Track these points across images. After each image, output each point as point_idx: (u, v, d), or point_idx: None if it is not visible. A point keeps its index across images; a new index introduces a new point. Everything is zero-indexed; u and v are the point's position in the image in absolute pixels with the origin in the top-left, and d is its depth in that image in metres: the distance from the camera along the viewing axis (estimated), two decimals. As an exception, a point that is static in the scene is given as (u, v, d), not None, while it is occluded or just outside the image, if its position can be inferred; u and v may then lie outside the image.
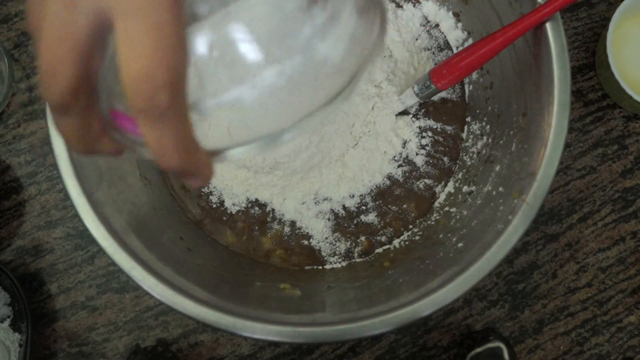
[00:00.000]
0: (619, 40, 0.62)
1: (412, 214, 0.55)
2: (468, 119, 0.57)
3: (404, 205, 0.55)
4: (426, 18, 0.59)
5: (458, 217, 0.51)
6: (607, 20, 0.65)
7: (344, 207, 0.55)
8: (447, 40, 0.58)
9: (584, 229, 0.62)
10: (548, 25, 0.44)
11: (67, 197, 0.43)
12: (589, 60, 0.65)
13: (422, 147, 0.56)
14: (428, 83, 0.50)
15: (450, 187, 0.55)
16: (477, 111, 0.56)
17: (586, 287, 0.61)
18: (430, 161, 0.56)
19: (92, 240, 0.42)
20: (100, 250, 0.42)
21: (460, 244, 0.46)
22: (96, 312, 0.59)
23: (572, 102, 0.50)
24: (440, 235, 0.51)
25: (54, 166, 0.43)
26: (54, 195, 0.60)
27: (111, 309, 0.59)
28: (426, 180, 0.55)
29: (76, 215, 0.42)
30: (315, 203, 0.55)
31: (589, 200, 0.63)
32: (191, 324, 0.59)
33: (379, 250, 0.55)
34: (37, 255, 0.60)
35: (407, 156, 0.56)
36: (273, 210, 0.55)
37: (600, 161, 0.63)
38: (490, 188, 0.49)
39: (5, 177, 0.60)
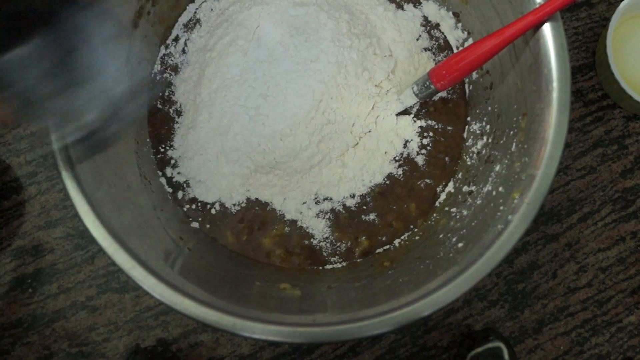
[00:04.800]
0: (618, 40, 0.62)
1: (413, 214, 0.55)
2: (468, 119, 0.57)
3: (405, 205, 0.55)
4: (426, 18, 0.59)
5: (458, 217, 0.51)
6: (607, 20, 0.65)
7: (345, 207, 0.55)
8: (447, 40, 0.59)
9: (584, 229, 0.62)
10: (548, 25, 0.44)
11: (67, 197, 0.43)
12: (589, 60, 0.65)
13: (424, 146, 0.56)
14: (427, 83, 0.50)
15: (450, 187, 0.55)
16: (477, 111, 0.56)
17: (586, 287, 0.61)
18: (431, 161, 0.56)
19: (92, 240, 0.42)
20: (100, 250, 0.42)
21: (460, 244, 0.46)
22: (96, 312, 0.59)
23: (572, 102, 0.50)
24: (441, 235, 0.51)
25: (54, 166, 0.43)
26: (54, 195, 0.60)
27: (111, 309, 0.59)
28: (427, 180, 0.55)
29: (76, 215, 0.42)
30: (316, 203, 0.55)
31: (589, 200, 0.63)
32: (191, 324, 0.59)
33: (380, 250, 0.55)
34: (37, 255, 0.60)
35: (408, 156, 0.56)
36: (273, 209, 0.55)
37: (600, 161, 0.63)
38: (490, 188, 0.49)
39: (5, 177, 0.61)
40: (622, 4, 0.59)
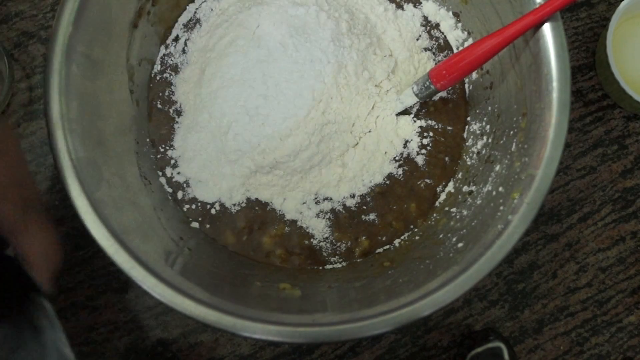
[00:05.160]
0: (618, 40, 0.62)
1: (413, 214, 0.55)
2: (468, 119, 0.57)
3: (405, 205, 0.55)
4: (426, 18, 0.59)
5: (458, 217, 0.51)
6: (607, 20, 0.65)
7: (345, 207, 0.55)
8: (447, 40, 0.59)
9: (584, 229, 0.62)
10: (548, 25, 0.44)
11: (67, 197, 0.43)
12: (589, 60, 0.65)
13: (424, 146, 0.56)
14: (427, 83, 0.50)
15: (450, 187, 0.55)
16: (477, 111, 0.56)
17: (586, 287, 0.61)
18: (431, 161, 0.56)
19: (92, 240, 0.42)
20: (100, 250, 0.42)
21: (460, 244, 0.46)
22: (96, 312, 0.59)
23: (572, 102, 0.50)
24: (441, 235, 0.51)
25: (54, 166, 0.43)
26: (53, 195, 0.60)
27: (111, 309, 0.59)
28: (427, 180, 0.55)
29: (76, 215, 0.42)
30: (316, 203, 0.55)
31: (589, 200, 0.63)
32: (191, 324, 0.59)
33: (380, 250, 0.55)
34: (37, 255, 0.59)
35: (409, 155, 0.56)
36: (273, 209, 0.55)
37: (600, 161, 0.63)
38: (490, 188, 0.49)
39: (5, 177, 0.60)
40: (622, 4, 0.59)
